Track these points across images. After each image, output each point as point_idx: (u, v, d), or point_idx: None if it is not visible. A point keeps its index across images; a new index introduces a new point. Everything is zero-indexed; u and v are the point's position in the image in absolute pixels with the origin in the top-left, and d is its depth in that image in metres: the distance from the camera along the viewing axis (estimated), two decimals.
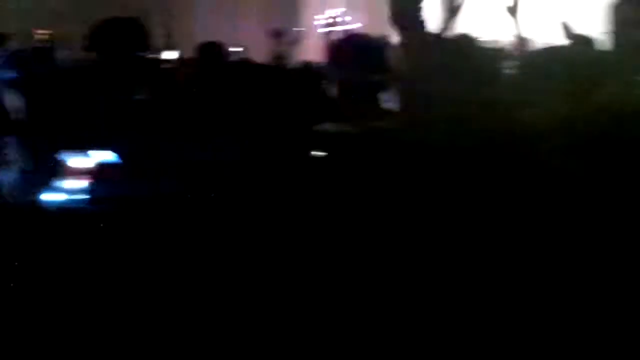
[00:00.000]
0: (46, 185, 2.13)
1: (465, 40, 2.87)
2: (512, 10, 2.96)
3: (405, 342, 1.68)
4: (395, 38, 2.81)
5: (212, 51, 3.78)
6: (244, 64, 3.76)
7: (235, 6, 12.18)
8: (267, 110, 2.77)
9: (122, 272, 1.84)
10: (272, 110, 2.80)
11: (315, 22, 11.34)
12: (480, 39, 2.92)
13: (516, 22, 2.90)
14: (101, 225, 1.92)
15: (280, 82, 3.40)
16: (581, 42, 2.86)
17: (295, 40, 6.60)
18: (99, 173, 2.05)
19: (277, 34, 6.23)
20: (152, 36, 2.55)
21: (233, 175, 2.11)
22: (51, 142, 2.30)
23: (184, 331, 1.75)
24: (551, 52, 2.32)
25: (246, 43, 9.05)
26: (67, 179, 2.12)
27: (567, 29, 3.39)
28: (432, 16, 2.93)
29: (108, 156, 2.04)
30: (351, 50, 2.68)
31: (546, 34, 2.99)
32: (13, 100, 3.70)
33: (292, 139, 2.36)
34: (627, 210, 1.73)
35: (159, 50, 5.28)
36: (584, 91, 2.00)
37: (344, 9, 13.18)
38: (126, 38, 2.32)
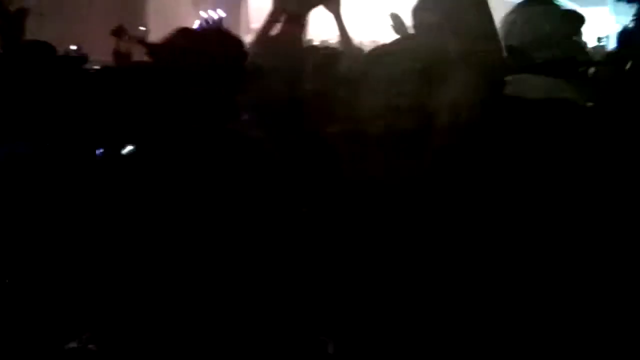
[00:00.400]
0: None
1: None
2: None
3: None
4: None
5: (34, 50, 3.56)
6: (70, 63, 3.57)
7: (80, 5, 11.71)
8: (86, 110, 2.65)
9: None
10: (93, 109, 2.68)
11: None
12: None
13: (341, 20, 2.92)
14: None
15: (109, 81, 3.26)
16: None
17: (139, 38, 6.39)
18: None
19: (119, 33, 6.00)
20: None
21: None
22: None
23: None
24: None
25: (92, 42, 8.68)
26: None
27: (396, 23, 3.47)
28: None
29: None
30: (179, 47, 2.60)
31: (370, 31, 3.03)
32: None
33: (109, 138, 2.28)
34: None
35: None
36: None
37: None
38: None
